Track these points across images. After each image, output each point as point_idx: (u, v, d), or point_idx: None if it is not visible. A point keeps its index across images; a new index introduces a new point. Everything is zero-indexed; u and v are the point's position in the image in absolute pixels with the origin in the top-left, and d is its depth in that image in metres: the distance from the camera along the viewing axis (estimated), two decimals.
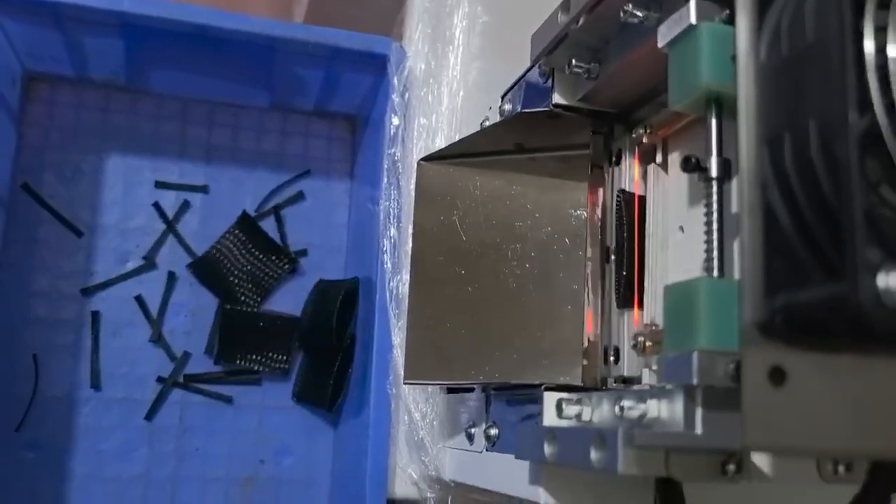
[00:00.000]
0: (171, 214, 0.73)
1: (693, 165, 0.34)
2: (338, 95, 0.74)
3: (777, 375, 0.27)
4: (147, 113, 0.74)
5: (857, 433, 0.27)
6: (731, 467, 0.35)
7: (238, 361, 0.72)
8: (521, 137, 0.53)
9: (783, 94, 0.27)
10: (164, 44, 0.67)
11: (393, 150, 0.64)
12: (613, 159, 0.49)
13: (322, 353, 0.72)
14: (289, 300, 0.75)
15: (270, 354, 0.72)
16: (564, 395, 0.43)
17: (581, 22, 0.43)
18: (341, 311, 0.71)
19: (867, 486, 0.32)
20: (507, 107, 0.54)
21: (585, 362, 0.47)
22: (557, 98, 0.48)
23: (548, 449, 0.40)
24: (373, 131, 0.71)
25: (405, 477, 0.62)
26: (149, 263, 0.72)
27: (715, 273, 0.32)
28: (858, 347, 0.27)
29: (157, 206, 0.73)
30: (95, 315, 0.70)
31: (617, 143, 0.48)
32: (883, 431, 0.27)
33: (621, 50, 0.42)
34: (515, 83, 0.53)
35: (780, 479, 0.36)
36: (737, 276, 0.32)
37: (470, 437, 0.55)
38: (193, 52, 0.68)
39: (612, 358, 0.47)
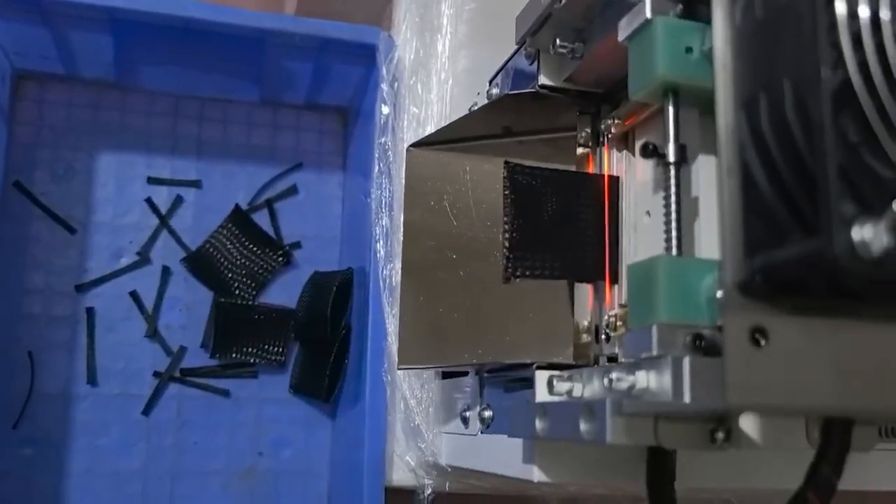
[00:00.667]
0: (164, 210, 0.73)
1: (651, 151, 0.36)
2: (328, 88, 0.74)
3: (759, 335, 0.27)
4: (138, 109, 0.74)
5: (838, 391, 0.27)
6: (720, 435, 0.36)
7: (234, 354, 0.72)
8: (508, 121, 0.53)
9: (758, 56, 0.27)
10: (152, 39, 0.67)
11: (383, 140, 0.65)
12: (600, 140, 0.49)
13: (318, 345, 0.72)
14: (284, 293, 0.75)
15: (266, 347, 0.72)
16: (556, 372, 0.43)
17: (564, 1, 0.43)
18: (336, 301, 0.71)
19: (821, 451, 0.32)
20: (495, 91, 0.55)
21: (577, 341, 0.48)
22: (543, 79, 0.48)
23: (539, 424, 0.41)
24: (364, 122, 0.71)
25: (403, 465, 0.62)
26: (143, 259, 0.72)
27: (674, 252, 0.34)
28: (839, 307, 0.27)
29: (149, 201, 0.73)
30: (90, 311, 0.70)
31: (602, 124, 0.48)
32: (863, 389, 0.27)
33: (604, 29, 0.43)
34: (502, 67, 0.53)
35: (768, 445, 0.36)
36: (698, 254, 0.33)
37: (465, 421, 0.55)
38: (182, 46, 0.68)
39: (603, 336, 0.47)
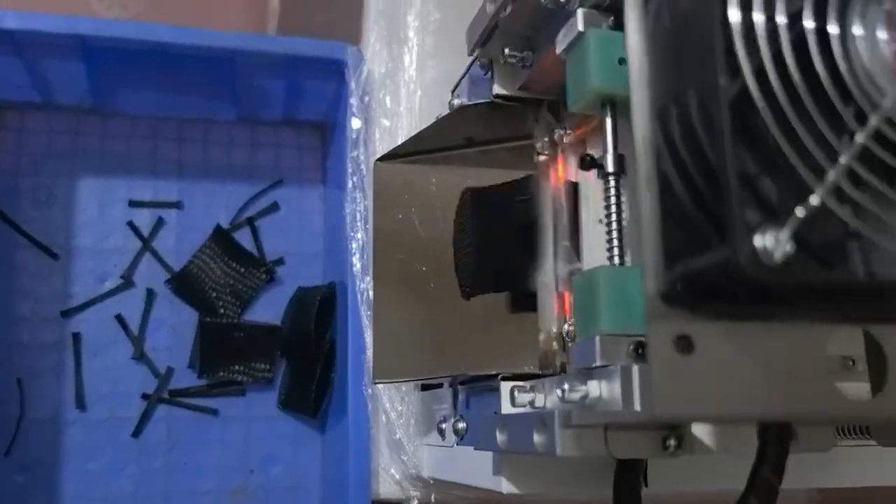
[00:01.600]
0: (146, 232, 0.73)
1: (588, 163, 0.36)
2: (304, 104, 0.74)
3: (684, 344, 0.27)
4: (117, 134, 0.74)
5: (767, 397, 0.27)
6: (672, 442, 0.35)
7: (221, 373, 0.72)
8: (470, 131, 0.53)
9: (668, 65, 0.27)
10: (125, 64, 0.67)
11: (356, 154, 0.65)
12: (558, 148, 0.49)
13: (304, 360, 0.72)
14: (270, 309, 0.75)
15: (253, 364, 0.73)
16: (519, 383, 0.43)
17: (508, 10, 0.43)
18: (319, 316, 0.72)
19: (759, 454, 0.31)
20: (456, 101, 0.55)
21: (548, 348, 0.48)
22: (497, 88, 0.48)
23: (500, 437, 0.41)
24: (339, 137, 0.72)
25: (388, 478, 0.62)
26: (127, 282, 0.72)
27: (616, 261, 0.34)
28: (765, 312, 0.27)
29: (131, 224, 0.73)
30: (76, 336, 0.71)
31: (555, 133, 0.48)
32: (791, 394, 0.27)
33: (549, 38, 0.43)
34: (462, 77, 0.53)
35: (722, 450, 0.36)
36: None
37: (441, 433, 0.55)
38: (156, 70, 0.68)
39: (569, 344, 0.47)
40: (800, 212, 0.23)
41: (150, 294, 0.73)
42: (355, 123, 0.65)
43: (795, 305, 0.25)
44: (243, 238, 0.75)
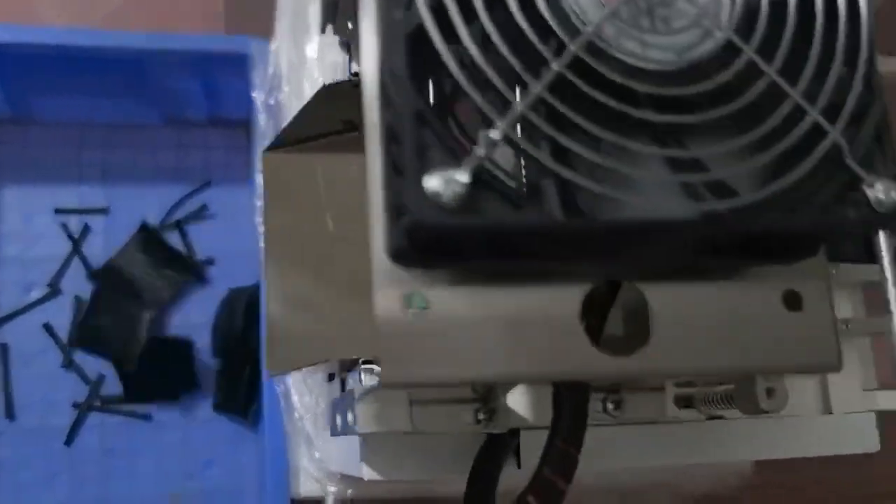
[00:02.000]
0: (72, 239, 0.73)
1: None
2: (225, 102, 0.74)
3: (413, 305, 0.25)
4: (40, 142, 0.74)
5: (507, 359, 0.25)
6: (482, 416, 0.34)
7: (153, 399, 0.72)
8: (346, 114, 0.52)
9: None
10: (37, 71, 0.67)
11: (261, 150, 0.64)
12: None
13: (235, 362, 0.72)
14: (201, 312, 0.74)
15: (178, 378, 0.72)
16: (367, 366, 0.42)
17: None
18: (248, 317, 0.71)
19: (553, 424, 0.29)
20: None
21: None
22: (354, 66, 0.47)
23: (337, 420, 0.39)
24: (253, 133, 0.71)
25: (307, 475, 0.61)
26: (54, 290, 0.72)
27: None
28: (501, 271, 0.25)
29: (58, 231, 0.73)
30: (4, 347, 0.70)
31: None
32: (535, 355, 0.25)
33: None
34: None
35: (539, 423, 0.34)
36: None
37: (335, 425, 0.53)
38: (71, 75, 0.68)
39: None
40: (479, 149, 0.21)
41: (78, 300, 0.72)
42: (261, 119, 0.64)
43: (510, 255, 0.23)
44: (174, 241, 0.75)
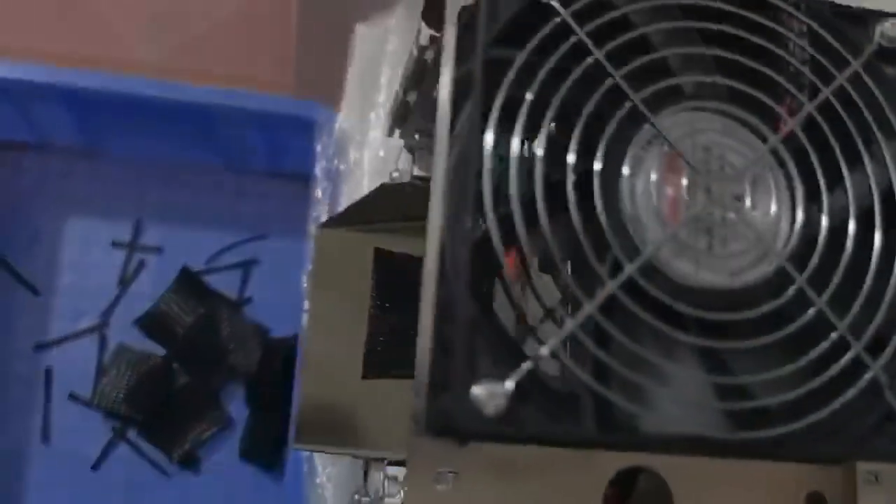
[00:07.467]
0: (125, 275, 0.75)
1: None
2: (288, 157, 0.75)
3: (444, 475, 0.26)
4: (106, 177, 0.77)
5: None
6: None
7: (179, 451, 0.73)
8: (404, 206, 0.53)
9: (451, 199, 0.26)
10: (113, 112, 0.70)
11: (316, 214, 0.65)
12: None
13: (267, 411, 0.73)
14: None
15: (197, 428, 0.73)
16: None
17: (413, 98, 0.43)
18: (285, 368, 0.72)
19: None
20: (395, 175, 0.54)
21: None
22: (416, 170, 0.48)
23: None
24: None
25: None
26: (102, 323, 0.74)
27: None
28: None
29: (113, 264, 0.75)
30: (48, 371, 0.73)
31: None
32: None
33: None
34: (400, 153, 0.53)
35: None
36: None
37: None
38: (144, 119, 0.71)
39: None
40: (527, 364, 0.22)
41: (123, 334, 0.74)
42: (320, 184, 0.66)
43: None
44: (220, 284, 0.77)
